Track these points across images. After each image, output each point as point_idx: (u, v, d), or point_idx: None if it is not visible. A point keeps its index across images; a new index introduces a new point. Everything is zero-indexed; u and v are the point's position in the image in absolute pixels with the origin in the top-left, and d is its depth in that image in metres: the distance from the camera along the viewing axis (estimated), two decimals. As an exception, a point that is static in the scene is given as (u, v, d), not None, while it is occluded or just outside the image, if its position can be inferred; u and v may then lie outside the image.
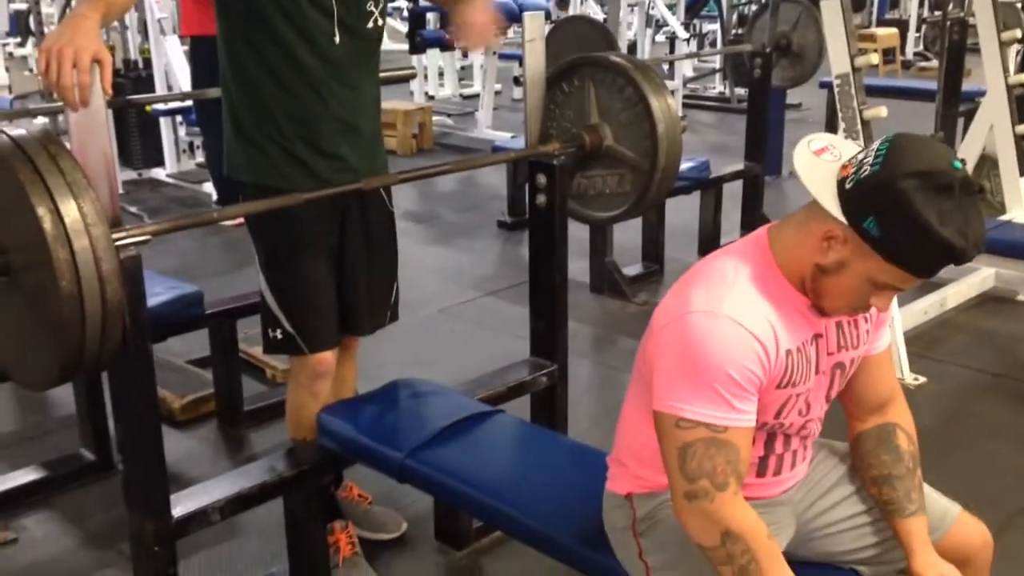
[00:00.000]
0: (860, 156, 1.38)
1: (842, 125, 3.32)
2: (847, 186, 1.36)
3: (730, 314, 1.40)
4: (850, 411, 1.66)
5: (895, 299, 3.32)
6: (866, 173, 1.33)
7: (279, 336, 2.19)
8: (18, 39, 9.38)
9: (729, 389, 1.38)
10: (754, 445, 1.49)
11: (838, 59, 3.29)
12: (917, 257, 1.33)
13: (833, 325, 1.52)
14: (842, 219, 1.35)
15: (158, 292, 2.71)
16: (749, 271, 1.46)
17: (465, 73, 9.99)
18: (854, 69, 3.26)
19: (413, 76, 6.83)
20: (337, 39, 2.06)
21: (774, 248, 1.48)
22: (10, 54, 8.91)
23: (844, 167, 1.39)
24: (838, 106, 3.33)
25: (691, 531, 1.44)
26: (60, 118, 4.08)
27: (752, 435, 1.44)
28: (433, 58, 8.60)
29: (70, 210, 1.47)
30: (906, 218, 1.29)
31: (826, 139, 1.47)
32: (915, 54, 11.28)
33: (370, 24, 2.13)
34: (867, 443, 1.63)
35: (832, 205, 1.36)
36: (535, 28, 2.40)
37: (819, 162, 1.43)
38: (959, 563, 1.58)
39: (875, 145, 1.37)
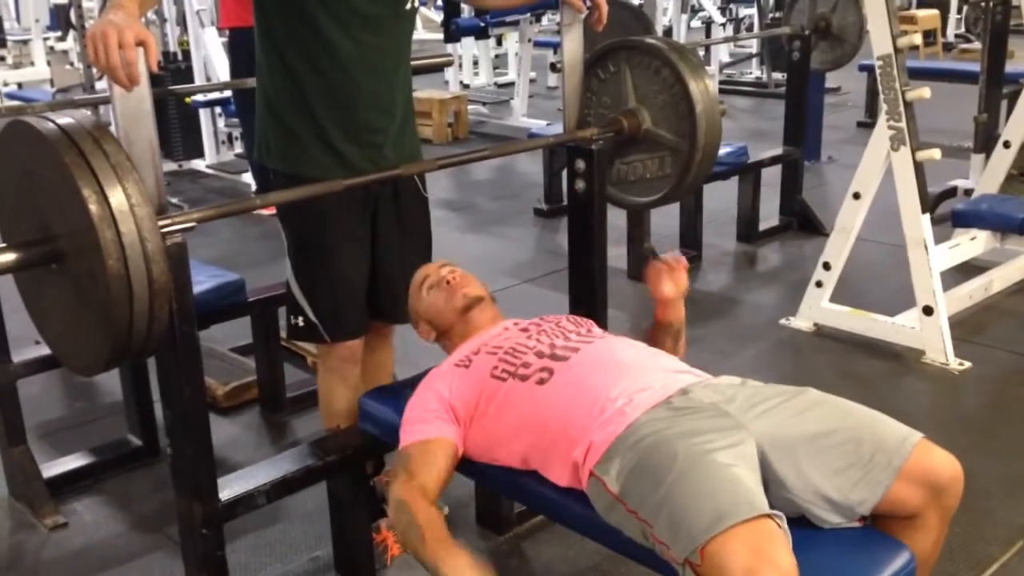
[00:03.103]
0: None
1: (884, 107, 3.28)
2: None
3: None
4: None
5: (940, 284, 3.23)
6: None
7: (301, 324, 2.21)
8: (59, 33, 9.49)
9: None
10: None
11: (880, 40, 3.25)
12: None
13: None
14: None
15: (201, 280, 2.75)
16: None
17: (500, 61, 9.98)
18: (896, 50, 3.22)
19: (450, 63, 6.83)
20: (374, 24, 2.07)
21: None
22: (51, 48, 9.02)
23: None
24: (880, 88, 3.28)
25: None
26: (102, 109, 4.13)
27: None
28: (468, 47, 8.60)
29: (115, 193, 1.49)
30: None
31: None
32: (956, 36, 11.11)
33: (408, 5, 2.13)
34: None
35: None
36: (573, 13, 2.39)
37: None
38: (930, 493, 1.57)
39: None
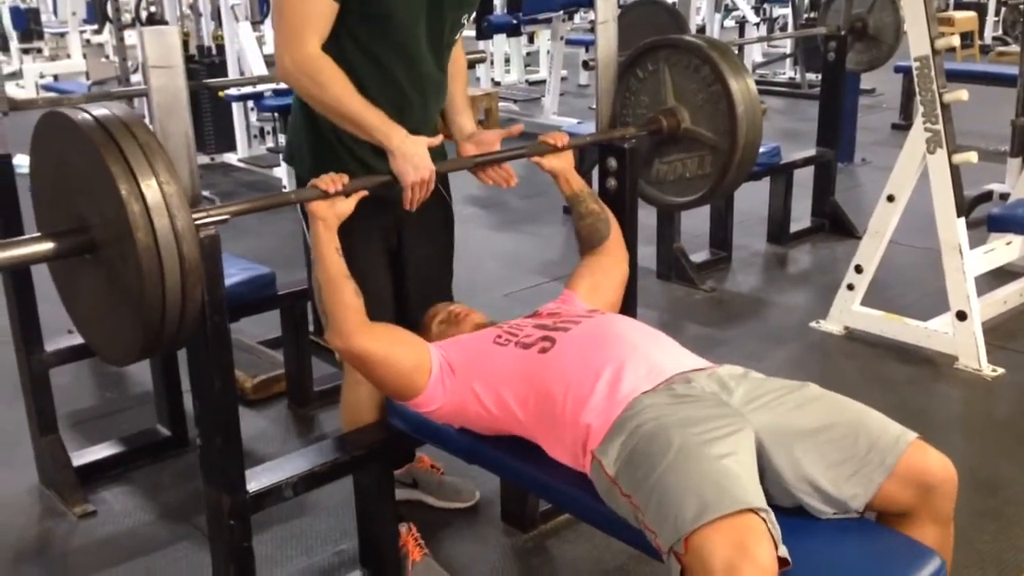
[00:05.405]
0: None
1: (920, 109, 3.25)
2: None
3: None
4: None
5: (974, 289, 3.19)
6: None
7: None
8: (95, 26, 9.59)
9: None
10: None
11: (918, 41, 3.21)
12: None
13: None
14: None
15: (233, 273, 2.77)
16: None
17: (531, 59, 9.98)
18: (934, 52, 3.18)
19: (482, 60, 6.84)
20: (432, 56, 2.09)
21: None
22: (87, 41, 9.13)
23: None
24: (917, 89, 3.24)
25: None
26: (136, 102, 4.17)
27: None
28: (500, 44, 8.60)
29: (151, 185, 1.50)
30: None
31: None
32: (994, 38, 10.97)
33: (457, 35, 2.16)
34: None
35: None
36: (608, 10, 2.37)
37: None
38: (921, 492, 1.57)
39: None
